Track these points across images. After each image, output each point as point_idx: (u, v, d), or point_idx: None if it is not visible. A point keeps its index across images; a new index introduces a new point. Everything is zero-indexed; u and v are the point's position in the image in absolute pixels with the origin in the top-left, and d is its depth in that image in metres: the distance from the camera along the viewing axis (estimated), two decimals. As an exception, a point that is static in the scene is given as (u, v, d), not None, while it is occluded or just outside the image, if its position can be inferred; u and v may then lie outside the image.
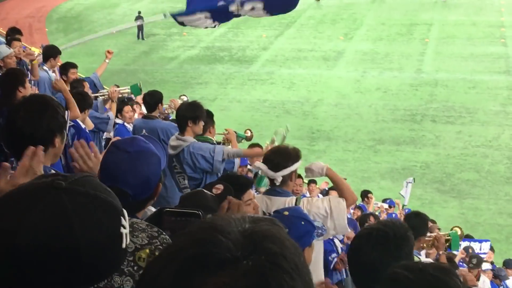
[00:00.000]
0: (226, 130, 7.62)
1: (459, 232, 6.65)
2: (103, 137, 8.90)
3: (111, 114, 8.74)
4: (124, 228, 1.49)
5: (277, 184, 4.93)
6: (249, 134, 8.78)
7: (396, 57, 32.25)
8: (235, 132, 7.90)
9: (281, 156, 5.02)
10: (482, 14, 39.45)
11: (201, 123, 6.40)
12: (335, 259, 7.78)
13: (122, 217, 1.49)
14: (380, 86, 28.10)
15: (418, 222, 5.94)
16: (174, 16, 7.23)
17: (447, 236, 6.59)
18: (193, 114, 6.35)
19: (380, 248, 2.75)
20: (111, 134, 8.97)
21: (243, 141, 8.72)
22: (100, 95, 9.53)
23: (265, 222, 1.15)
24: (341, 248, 8.25)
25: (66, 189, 1.41)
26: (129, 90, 10.21)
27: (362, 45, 34.37)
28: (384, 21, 38.85)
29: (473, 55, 31.91)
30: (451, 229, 9.31)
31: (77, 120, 7.00)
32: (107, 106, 9.32)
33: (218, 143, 7.52)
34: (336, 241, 8.14)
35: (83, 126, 7.14)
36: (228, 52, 34.08)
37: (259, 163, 5.31)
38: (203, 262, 1.00)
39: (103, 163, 2.70)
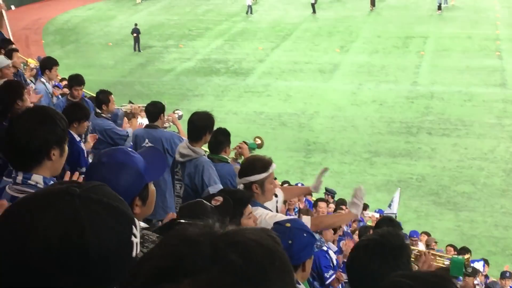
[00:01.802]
0: (238, 144, 7.49)
1: (466, 256, 6.43)
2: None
3: (130, 130, 8.84)
4: (135, 237, 1.51)
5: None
6: (259, 142, 8.63)
7: (392, 69, 32.32)
8: (246, 142, 7.87)
9: (248, 165, 5.11)
10: (477, 27, 39.62)
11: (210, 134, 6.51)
12: (333, 277, 7.76)
13: (133, 226, 1.52)
14: (376, 99, 28.16)
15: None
16: None
17: (446, 259, 6.35)
18: (211, 124, 6.46)
19: (378, 258, 2.77)
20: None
21: (254, 151, 8.57)
22: (124, 109, 9.67)
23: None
24: (336, 260, 8.24)
25: (80, 195, 1.44)
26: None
27: (358, 58, 34.46)
28: (380, 34, 38.99)
29: (469, 68, 32.00)
30: (460, 255, 9.02)
31: (72, 132, 7.02)
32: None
33: (235, 159, 7.56)
34: (331, 253, 8.13)
35: (77, 138, 7.16)
36: (225, 64, 34.13)
37: (237, 167, 5.37)
38: (168, 274, 1.06)
39: (86, 169, 2.75)
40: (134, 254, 1.50)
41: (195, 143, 6.35)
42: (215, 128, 6.64)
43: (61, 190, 1.45)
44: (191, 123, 6.42)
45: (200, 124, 6.37)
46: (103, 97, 8.83)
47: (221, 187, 6.13)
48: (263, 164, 5.09)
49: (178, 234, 1.14)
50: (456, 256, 6.72)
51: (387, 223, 6.35)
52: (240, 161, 7.61)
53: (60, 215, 1.40)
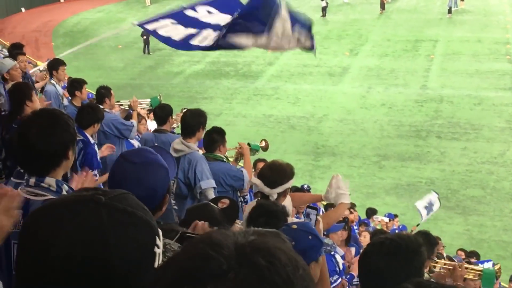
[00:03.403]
0: (239, 144, 7.63)
1: (497, 267, 6.35)
2: None
3: (135, 122, 9.00)
4: (158, 248, 1.50)
5: (272, 200, 4.96)
6: (263, 144, 8.71)
7: (402, 73, 32.28)
8: (249, 143, 7.94)
9: (277, 173, 5.09)
10: (487, 31, 39.48)
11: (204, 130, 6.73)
12: (338, 282, 7.72)
13: (157, 237, 1.51)
14: (385, 102, 28.12)
15: (424, 243, 5.87)
16: (142, 24, 7.26)
17: (479, 271, 6.20)
18: (204, 120, 6.71)
19: (390, 257, 2.81)
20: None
21: (257, 153, 8.72)
22: (121, 105, 9.84)
23: (270, 235, 1.20)
24: (343, 265, 8.20)
25: (105, 204, 1.43)
26: (149, 102, 10.46)
27: (367, 61, 34.42)
28: (389, 37, 38.93)
29: (479, 71, 31.90)
30: (493, 266, 8.92)
31: (86, 134, 7.06)
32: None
33: (236, 158, 7.68)
34: (338, 257, 8.08)
35: (92, 140, 7.19)
36: (234, 67, 34.16)
37: (255, 179, 5.34)
38: (194, 275, 1.08)
39: (110, 173, 2.74)
40: (156, 265, 1.49)
41: (189, 139, 6.56)
42: (209, 127, 6.86)
43: (87, 198, 1.44)
44: (184, 119, 6.69)
45: (194, 120, 6.62)
46: (105, 91, 9.00)
47: (213, 181, 6.35)
48: (291, 168, 5.16)
49: (203, 238, 1.15)
50: (487, 268, 6.62)
51: (422, 237, 6.31)
52: (242, 162, 7.69)
53: (84, 223, 1.39)
